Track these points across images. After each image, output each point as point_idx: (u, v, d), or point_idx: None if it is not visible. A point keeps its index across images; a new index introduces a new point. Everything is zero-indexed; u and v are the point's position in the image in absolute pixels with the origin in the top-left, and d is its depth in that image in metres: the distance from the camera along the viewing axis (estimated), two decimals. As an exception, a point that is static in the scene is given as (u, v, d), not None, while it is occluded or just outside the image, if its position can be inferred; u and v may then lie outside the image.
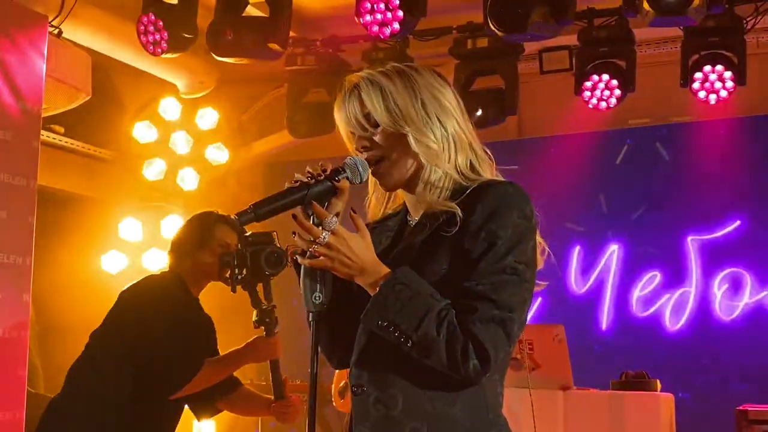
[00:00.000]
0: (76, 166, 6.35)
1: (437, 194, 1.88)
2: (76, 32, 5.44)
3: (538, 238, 1.85)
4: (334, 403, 5.52)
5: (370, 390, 1.80)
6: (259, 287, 3.48)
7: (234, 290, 3.46)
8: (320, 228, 1.75)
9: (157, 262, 6.34)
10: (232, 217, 1.99)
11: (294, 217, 1.78)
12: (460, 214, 1.79)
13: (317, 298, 1.84)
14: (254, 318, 3.46)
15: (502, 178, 1.92)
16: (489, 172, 1.93)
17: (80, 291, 6.21)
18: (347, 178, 1.86)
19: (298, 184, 1.84)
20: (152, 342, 3.27)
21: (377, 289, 1.75)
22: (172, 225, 6.41)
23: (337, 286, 1.86)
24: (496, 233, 1.75)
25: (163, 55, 5.26)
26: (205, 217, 3.60)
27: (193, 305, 3.54)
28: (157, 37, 5.18)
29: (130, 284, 3.50)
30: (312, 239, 1.75)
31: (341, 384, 5.41)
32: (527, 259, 1.77)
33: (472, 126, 1.95)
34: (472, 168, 1.91)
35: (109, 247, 6.27)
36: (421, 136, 1.86)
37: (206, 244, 3.52)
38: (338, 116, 1.94)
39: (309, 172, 1.86)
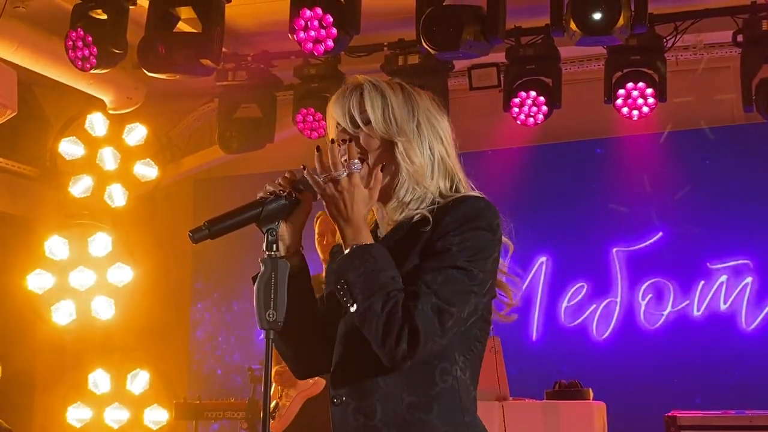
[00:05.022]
0: (0, 184, 6.19)
1: (411, 212, 1.91)
2: (-1, 47, 5.33)
3: (501, 260, 1.92)
4: None
5: (349, 400, 1.85)
6: None
7: None
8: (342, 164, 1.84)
9: (85, 280, 6.22)
10: (188, 234, 1.95)
11: (318, 148, 1.86)
12: (431, 219, 1.85)
13: (270, 316, 1.88)
14: None
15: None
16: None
17: (5, 310, 6.05)
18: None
19: (258, 199, 1.89)
20: None
21: (350, 248, 1.82)
22: (100, 243, 6.30)
23: (303, 306, 1.90)
24: (456, 239, 1.82)
25: (92, 71, 5.18)
26: None
27: None
28: (86, 52, 5.10)
29: None
30: (331, 172, 1.84)
31: (271, 405, 5.36)
32: (483, 267, 1.82)
33: (457, 158, 2.00)
34: (456, 191, 1.96)
35: (35, 266, 6.12)
36: (409, 149, 1.91)
37: None
38: (333, 106, 1.96)
39: (272, 190, 1.91)
